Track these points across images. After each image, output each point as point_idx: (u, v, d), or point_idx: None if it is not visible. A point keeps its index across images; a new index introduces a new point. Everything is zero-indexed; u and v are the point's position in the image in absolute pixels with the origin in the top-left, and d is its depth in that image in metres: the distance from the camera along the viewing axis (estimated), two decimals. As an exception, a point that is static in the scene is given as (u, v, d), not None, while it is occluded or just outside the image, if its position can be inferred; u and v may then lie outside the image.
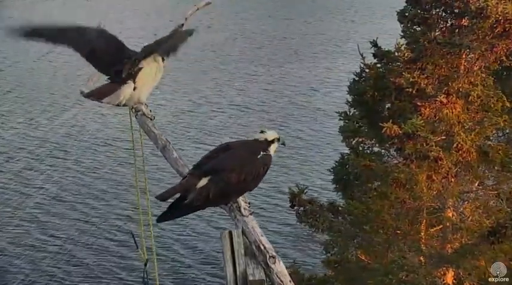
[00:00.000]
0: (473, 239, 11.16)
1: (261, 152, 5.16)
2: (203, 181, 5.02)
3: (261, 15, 53.75)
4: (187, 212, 5.23)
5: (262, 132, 5.29)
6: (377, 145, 12.46)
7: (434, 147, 10.75)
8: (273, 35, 47.25)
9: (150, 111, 6.46)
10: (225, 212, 5.27)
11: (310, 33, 47.69)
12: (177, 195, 5.12)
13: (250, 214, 5.12)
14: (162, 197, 5.10)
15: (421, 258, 11.61)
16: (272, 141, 5.27)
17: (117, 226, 22.42)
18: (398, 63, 11.69)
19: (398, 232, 11.76)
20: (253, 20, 51.90)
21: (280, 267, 4.80)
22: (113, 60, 6.09)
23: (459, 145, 10.99)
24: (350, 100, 12.70)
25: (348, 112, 12.70)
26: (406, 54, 11.42)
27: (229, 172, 5.02)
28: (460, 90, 11.14)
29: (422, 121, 10.85)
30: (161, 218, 5.16)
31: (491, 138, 11.82)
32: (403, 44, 11.61)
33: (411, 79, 11.02)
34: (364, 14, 52.52)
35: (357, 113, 12.57)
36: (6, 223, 22.81)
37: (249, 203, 5.21)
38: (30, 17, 52.56)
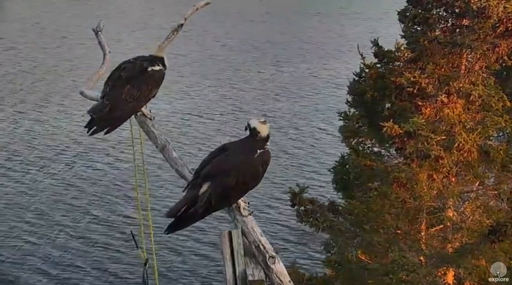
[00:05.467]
0: (474, 238, 11.15)
1: (258, 151, 5.10)
2: (204, 188, 4.99)
3: (260, 15, 53.74)
4: (194, 221, 5.16)
5: (254, 128, 5.11)
6: (377, 145, 12.43)
7: (435, 146, 10.73)
8: (272, 36, 47.23)
9: (150, 111, 6.45)
10: (225, 212, 5.24)
11: (310, 33, 47.67)
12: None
13: (250, 214, 5.09)
14: (171, 214, 5.06)
15: (422, 258, 11.60)
16: (268, 135, 5.17)
17: (117, 226, 22.40)
18: (399, 63, 11.67)
19: (399, 231, 11.74)
20: (251, 21, 51.90)
21: (279, 268, 4.78)
22: None
23: (460, 145, 10.97)
24: (350, 100, 12.68)
25: (348, 112, 12.68)
26: (406, 54, 11.40)
27: (226, 175, 4.97)
28: (461, 89, 11.13)
29: (423, 120, 10.83)
30: (170, 229, 5.11)
31: (491, 138, 11.80)
32: (402, 44, 11.60)
33: (412, 79, 11.00)
34: (364, 14, 52.50)
35: (356, 113, 12.54)
36: (6, 222, 22.78)
37: (248, 203, 5.18)
38: (30, 17, 52.63)
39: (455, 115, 11.16)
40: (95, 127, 6.24)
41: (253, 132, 5.14)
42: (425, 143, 10.74)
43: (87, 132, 6.26)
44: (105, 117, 6.20)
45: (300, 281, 13.05)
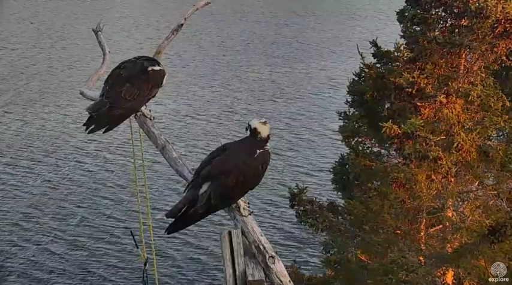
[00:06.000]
0: (473, 238, 11.15)
1: (257, 151, 5.11)
2: (204, 188, 5.00)
3: (259, 15, 53.74)
4: (195, 221, 5.17)
5: (255, 128, 5.13)
6: (377, 145, 12.45)
7: (433, 147, 10.74)
8: (272, 36, 47.23)
9: (150, 111, 6.46)
10: (225, 212, 5.25)
11: (310, 33, 47.67)
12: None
13: (250, 214, 5.09)
14: (171, 214, 5.07)
15: (421, 258, 11.60)
16: (268, 136, 5.17)
17: (117, 226, 22.41)
18: (398, 63, 11.68)
19: (398, 231, 11.75)
20: (250, 21, 51.89)
21: (279, 267, 4.79)
22: None
23: (459, 145, 10.98)
24: (350, 100, 12.69)
25: (348, 112, 12.69)
26: (405, 54, 11.41)
27: (227, 176, 4.98)
28: (460, 89, 11.14)
29: (421, 121, 10.84)
30: (170, 229, 5.12)
31: (491, 138, 11.80)
32: (402, 44, 11.60)
33: (411, 79, 11.01)
34: (364, 14, 52.52)
35: (356, 113, 12.55)
36: (6, 222, 22.79)
37: (248, 203, 5.18)
38: (31, 17, 52.62)
39: (454, 115, 11.17)
40: (93, 126, 6.22)
41: (254, 132, 5.15)
42: (424, 144, 10.75)
43: (86, 130, 6.24)
44: (104, 115, 6.19)
45: (300, 281, 13.06)
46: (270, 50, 43.49)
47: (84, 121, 6.28)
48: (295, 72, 38.76)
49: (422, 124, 10.80)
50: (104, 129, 6.26)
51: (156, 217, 18.03)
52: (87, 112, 6.28)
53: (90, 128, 6.22)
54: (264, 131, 5.14)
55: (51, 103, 33.93)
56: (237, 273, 4.81)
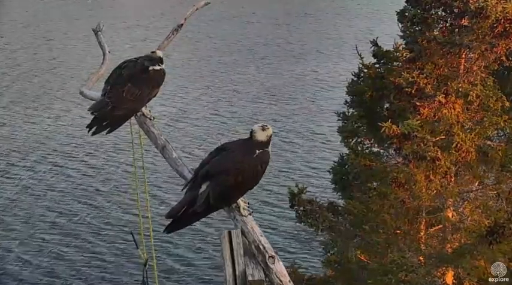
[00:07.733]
0: (473, 239, 11.15)
1: (257, 151, 5.11)
2: (202, 188, 5.01)
3: (259, 15, 53.76)
4: (194, 221, 5.20)
5: (253, 131, 5.15)
6: (376, 145, 12.44)
7: (431, 147, 10.74)
8: (272, 36, 47.25)
9: (150, 111, 6.46)
10: (225, 212, 5.26)
11: (309, 34, 47.69)
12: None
13: (250, 214, 5.10)
14: (171, 215, 5.08)
15: (421, 258, 11.61)
16: (269, 138, 5.19)
17: (117, 226, 22.40)
18: (398, 63, 11.68)
19: (398, 231, 11.76)
20: (250, 21, 51.90)
21: (279, 267, 4.79)
22: None
23: (458, 145, 10.97)
24: (349, 100, 12.70)
25: (347, 113, 12.70)
26: (405, 54, 11.41)
27: (225, 175, 4.99)
28: (460, 89, 11.13)
29: (419, 121, 10.83)
30: (169, 229, 5.14)
31: (492, 138, 11.80)
32: (401, 44, 11.60)
33: (410, 79, 11.01)
34: (360, 14, 52.56)
35: (355, 113, 12.55)
36: (6, 222, 22.79)
37: (248, 203, 5.19)
38: (31, 17, 52.60)
39: (454, 115, 11.17)
40: (95, 127, 6.22)
41: (253, 135, 5.17)
42: (422, 145, 10.74)
43: (88, 132, 6.25)
44: (107, 115, 6.19)
45: (300, 281, 13.07)
46: (269, 51, 43.50)
47: (85, 122, 6.29)
48: (294, 72, 38.76)
49: (420, 124, 10.80)
50: (107, 130, 6.26)
51: (156, 217, 18.03)
52: (89, 112, 6.28)
53: (93, 130, 6.22)
54: (260, 136, 5.15)
55: (51, 103, 33.92)
56: (237, 273, 4.81)
